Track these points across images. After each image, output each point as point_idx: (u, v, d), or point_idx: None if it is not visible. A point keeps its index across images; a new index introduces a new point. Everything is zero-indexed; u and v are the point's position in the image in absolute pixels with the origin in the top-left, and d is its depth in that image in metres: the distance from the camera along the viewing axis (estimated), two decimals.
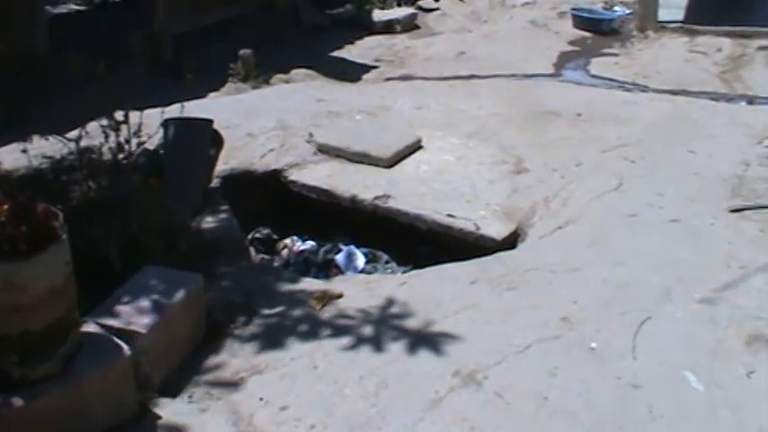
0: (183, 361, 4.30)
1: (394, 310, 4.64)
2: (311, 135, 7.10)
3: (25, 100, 7.33)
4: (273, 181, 6.55)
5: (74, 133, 5.57)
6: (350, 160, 6.67)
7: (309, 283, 5.14)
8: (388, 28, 12.49)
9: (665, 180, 6.26)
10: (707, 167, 6.47)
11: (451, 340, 4.34)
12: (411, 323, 4.51)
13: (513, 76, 10.07)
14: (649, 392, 3.94)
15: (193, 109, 6.40)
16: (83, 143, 5.49)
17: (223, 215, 5.74)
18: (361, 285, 5.05)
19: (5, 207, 3.51)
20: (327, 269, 5.84)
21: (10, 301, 3.39)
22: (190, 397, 4.04)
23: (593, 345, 4.29)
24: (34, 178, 5.66)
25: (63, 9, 12.96)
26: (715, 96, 9.07)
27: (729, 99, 9.06)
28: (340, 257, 5.92)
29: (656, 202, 5.92)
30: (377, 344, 4.34)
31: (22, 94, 7.61)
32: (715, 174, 6.35)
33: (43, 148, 5.87)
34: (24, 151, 5.41)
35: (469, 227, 5.71)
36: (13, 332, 3.44)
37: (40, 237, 3.48)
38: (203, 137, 6.05)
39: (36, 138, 5.70)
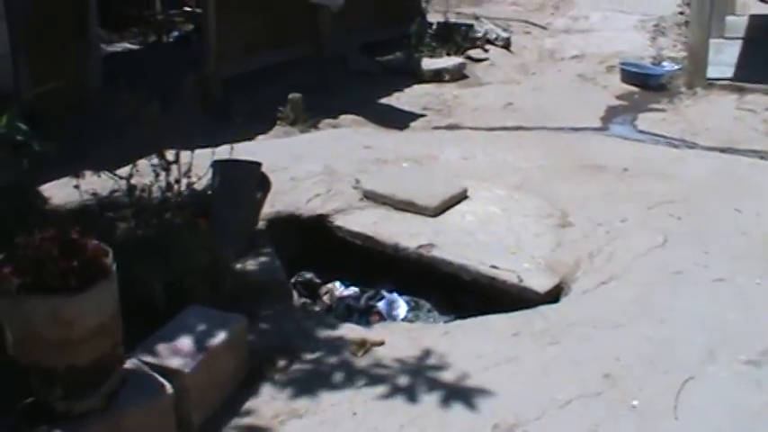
0: (224, 402, 4.32)
1: (435, 359, 4.63)
2: (357, 181, 7.13)
3: (78, 136, 7.45)
4: (318, 226, 6.57)
5: (125, 170, 5.66)
6: (395, 208, 6.68)
7: (351, 329, 5.14)
8: (437, 77, 12.52)
9: (710, 238, 6.22)
10: (754, 226, 6.42)
11: (492, 392, 4.33)
12: (452, 373, 4.51)
13: (561, 128, 10.04)
14: None
15: (242, 151, 6.47)
16: (133, 181, 5.58)
17: (267, 258, 5.78)
18: (403, 333, 5.05)
19: (57, 242, 3.57)
20: (369, 316, 5.84)
21: (58, 336, 3.44)
22: None
23: (635, 402, 4.26)
24: (84, 214, 5.73)
25: (117, 47, 13.17)
26: (763, 155, 8.97)
27: None
28: (382, 304, 5.92)
29: (701, 260, 5.87)
30: (417, 393, 4.34)
31: (75, 130, 7.73)
32: (762, 233, 6.29)
33: (94, 184, 5.95)
34: (77, 187, 5.49)
35: (513, 279, 5.69)
36: (59, 366, 3.49)
37: (90, 273, 3.54)
38: (251, 180, 6.12)
39: (88, 173, 5.78)
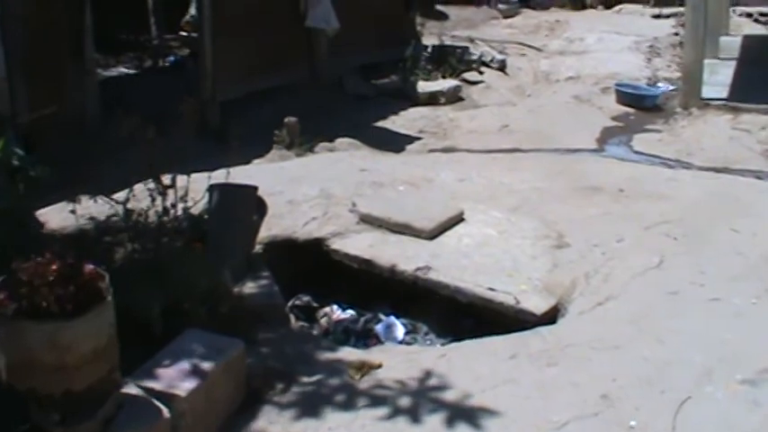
0: (221, 426, 4.32)
1: (433, 382, 4.63)
2: (354, 204, 7.15)
3: (75, 161, 7.47)
4: (315, 249, 6.59)
5: (121, 195, 5.68)
6: (392, 231, 6.69)
7: (348, 353, 5.15)
8: (433, 99, 12.57)
9: (707, 258, 6.22)
10: (750, 246, 6.42)
11: (490, 415, 4.33)
12: (450, 396, 4.50)
13: (557, 150, 10.09)
14: None
15: (239, 175, 6.48)
16: (129, 205, 5.59)
17: (264, 281, 5.78)
18: (401, 356, 5.06)
19: (54, 267, 3.58)
20: (367, 339, 5.84)
21: (54, 361, 3.45)
22: None
23: (633, 423, 4.25)
24: (80, 238, 5.74)
25: (113, 72, 13.23)
26: (759, 175, 9.01)
27: None
28: (380, 327, 5.92)
29: (697, 280, 5.88)
30: (415, 416, 4.33)
31: (72, 154, 7.75)
32: (758, 253, 6.30)
33: (90, 209, 5.96)
34: (73, 212, 5.50)
35: (510, 301, 5.70)
36: (56, 391, 3.49)
37: (86, 297, 3.55)
38: (247, 203, 6.13)
39: (84, 198, 5.79)
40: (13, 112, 7.64)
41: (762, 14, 18.36)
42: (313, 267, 6.54)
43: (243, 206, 6.09)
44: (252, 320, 5.27)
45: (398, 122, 11.55)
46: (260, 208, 6.30)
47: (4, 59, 7.51)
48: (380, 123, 11.46)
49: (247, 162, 8.77)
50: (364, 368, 4.80)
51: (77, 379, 3.51)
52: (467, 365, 4.84)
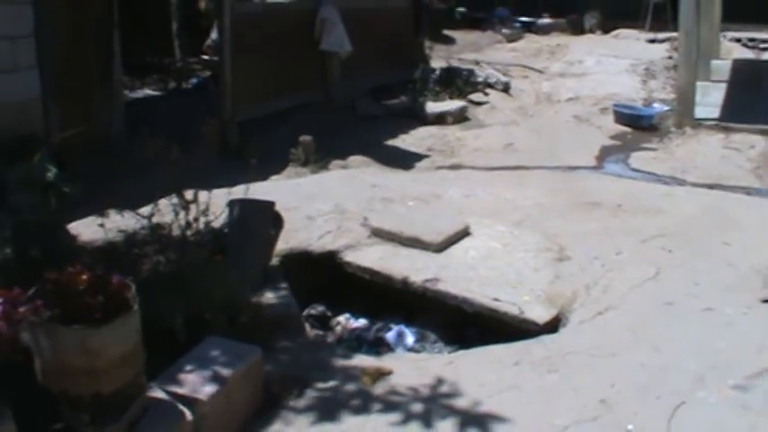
0: (240, 429, 4.32)
1: (441, 388, 4.62)
2: (366, 219, 7.16)
3: (103, 177, 7.50)
4: (329, 261, 6.60)
5: (146, 210, 5.71)
6: (402, 244, 6.70)
7: (361, 360, 5.15)
8: (440, 119, 12.58)
9: (700, 270, 6.22)
10: (741, 259, 6.42)
11: (495, 420, 4.32)
12: (458, 402, 4.50)
13: (558, 167, 10.09)
14: None
15: (257, 191, 6.50)
16: (154, 220, 5.62)
17: (281, 292, 5.79)
18: (411, 363, 5.06)
19: (84, 278, 3.62)
20: (378, 346, 5.85)
21: (85, 365, 3.48)
22: None
23: (630, 427, 4.25)
24: (109, 251, 5.77)
25: (139, 93, 13.29)
26: (749, 191, 9.03)
27: (762, 193, 9.00)
28: (390, 335, 5.93)
29: (691, 291, 5.88)
30: (425, 421, 4.32)
31: (100, 171, 7.78)
32: (749, 265, 6.29)
33: (117, 223, 5.99)
34: (101, 225, 5.54)
35: (514, 311, 5.70)
36: (86, 393, 3.52)
37: (114, 306, 3.58)
38: (265, 218, 6.15)
39: (112, 213, 5.83)
40: (46, 130, 7.68)
41: (750, 40, 18.40)
42: (327, 278, 6.54)
43: (261, 220, 6.11)
44: (269, 329, 5.27)
45: (408, 141, 11.57)
46: (277, 222, 6.32)
47: (39, 82, 7.55)
48: (391, 142, 11.48)
49: (265, 179, 8.80)
50: (377, 374, 4.80)
51: (106, 382, 3.54)
52: (473, 372, 4.84)
